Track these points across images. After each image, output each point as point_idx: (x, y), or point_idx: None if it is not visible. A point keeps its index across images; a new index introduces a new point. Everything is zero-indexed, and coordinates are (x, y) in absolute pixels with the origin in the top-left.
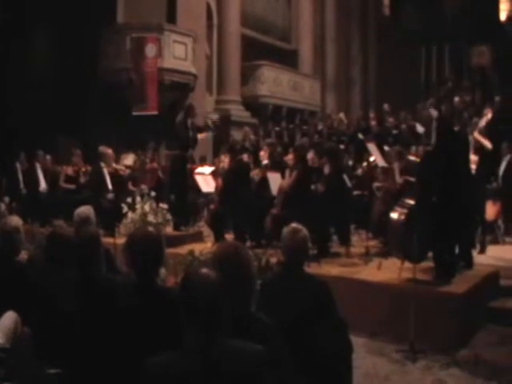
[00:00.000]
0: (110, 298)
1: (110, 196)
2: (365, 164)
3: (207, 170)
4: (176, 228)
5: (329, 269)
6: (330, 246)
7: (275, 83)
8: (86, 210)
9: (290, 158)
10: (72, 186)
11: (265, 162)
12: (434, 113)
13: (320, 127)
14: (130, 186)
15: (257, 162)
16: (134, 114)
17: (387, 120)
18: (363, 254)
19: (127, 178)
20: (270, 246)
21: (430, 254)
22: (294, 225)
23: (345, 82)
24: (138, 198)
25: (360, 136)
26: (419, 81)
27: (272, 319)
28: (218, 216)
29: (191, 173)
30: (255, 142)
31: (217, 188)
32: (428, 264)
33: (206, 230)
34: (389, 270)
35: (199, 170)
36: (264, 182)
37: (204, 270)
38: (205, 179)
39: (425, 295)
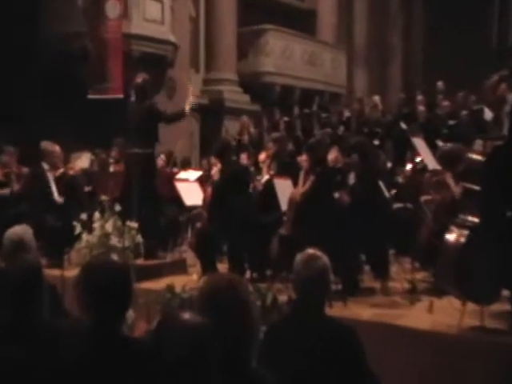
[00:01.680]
0: (54, 350)
1: (56, 213)
2: (409, 166)
3: (192, 175)
4: (149, 255)
5: (358, 311)
6: (359, 280)
7: (284, 56)
8: (20, 230)
9: (304, 158)
10: (5, 192)
11: (265, 167)
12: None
13: (346, 115)
14: (85, 196)
15: (259, 164)
16: (91, 97)
17: (441, 104)
18: (407, 290)
19: (82, 184)
20: (278, 279)
21: (505, 293)
22: (309, 250)
23: (380, 53)
24: (97, 214)
25: (402, 126)
26: (488, 48)
27: (280, 378)
28: (206, 238)
29: (170, 179)
30: (257, 137)
31: (205, 200)
32: (501, 306)
33: (191, 257)
34: (444, 314)
35: (181, 175)
36: (269, 191)
37: (187, 315)
38: (189, 188)
39: (497, 350)
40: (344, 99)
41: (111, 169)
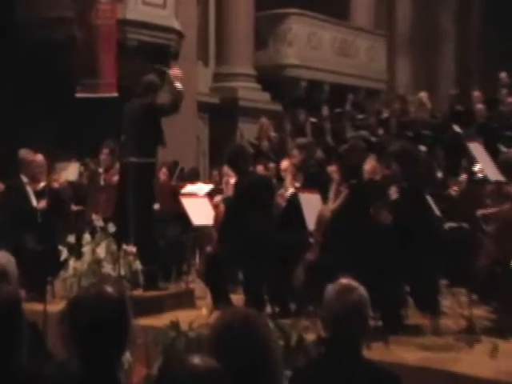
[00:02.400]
0: None
1: (37, 234)
2: (463, 177)
3: (201, 189)
4: (149, 285)
5: (403, 353)
6: (403, 315)
7: (311, 45)
8: (2, 257)
9: (334, 168)
10: None
11: (288, 177)
12: None
13: (385, 115)
14: (73, 214)
15: (282, 174)
16: (79, 96)
17: (504, 100)
18: (463, 329)
19: (68, 200)
20: (304, 315)
21: None
22: (342, 280)
23: (428, 40)
24: (87, 236)
25: (455, 129)
26: None
27: None
28: (218, 264)
29: (174, 194)
30: (278, 143)
31: (217, 219)
32: None
33: (199, 288)
34: (509, 359)
35: (188, 189)
36: (294, 208)
37: (195, 358)
38: (197, 205)
39: None
40: (383, 96)
41: (102, 181)
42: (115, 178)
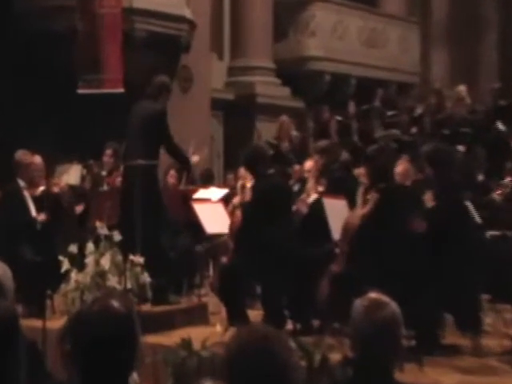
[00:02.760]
0: None
1: (36, 243)
2: (507, 180)
3: (215, 194)
4: (158, 299)
5: (439, 376)
6: (440, 335)
7: (336, 34)
8: None
9: (363, 171)
10: None
11: (310, 181)
12: None
13: (419, 112)
14: (75, 222)
15: (304, 179)
16: (81, 92)
17: None
18: (507, 350)
19: (70, 206)
20: (329, 332)
21: None
22: (372, 294)
23: (468, 28)
24: (90, 245)
25: (499, 127)
26: None
27: None
28: (233, 276)
29: (185, 200)
30: (300, 143)
31: (232, 226)
32: None
33: (213, 302)
34: None
35: (201, 194)
36: (317, 215)
37: (207, 381)
38: (211, 211)
39: None
40: (416, 91)
41: (105, 185)
42: (119, 181)
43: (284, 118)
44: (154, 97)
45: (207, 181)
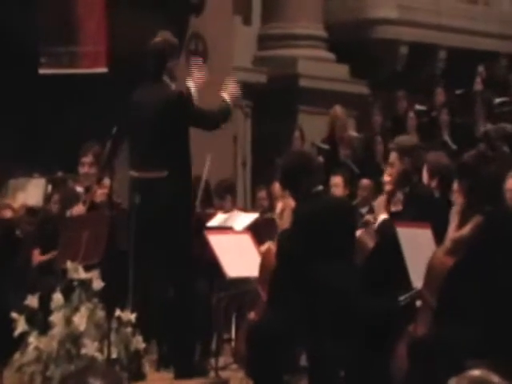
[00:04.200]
0: None
1: None
2: None
3: (239, 220)
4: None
5: None
6: None
7: None
8: None
9: (456, 187)
10: None
11: (380, 200)
12: None
13: None
14: (37, 259)
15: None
16: (44, 72)
17: None
18: None
19: (28, 238)
20: None
21: None
22: (475, 371)
23: None
24: (58, 296)
25: None
26: None
27: None
28: (269, 341)
29: (197, 228)
30: (365, 146)
31: (264, 267)
32: None
33: (237, 378)
34: None
35: (219, 220)
36: (387, 249)
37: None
38: (233, 245)
39: None
40: None
41: (80, 206)
42: (102, 199)
43: (338, 109)
44: (158, 74)
45: (224, 197)
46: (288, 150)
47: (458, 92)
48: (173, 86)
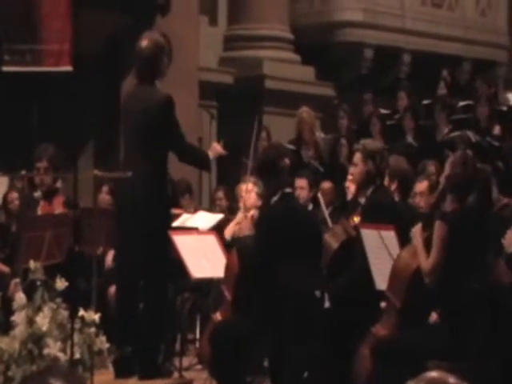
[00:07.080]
0: None
1: None
2: None
3: (204, 220)
4: (121, 375)
5: None
6: None
7: None
8: None
9: (422, 188)
10: None
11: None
12: None
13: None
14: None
15: (338, 198)
16: (6, 70)
17: None
18: None
19: None
20: None
21: None
22: (433, 372)
23: None
24: (20, 296)
25: None
26: None
27: None
28: (231, 342)
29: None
30: (329, 148)
31: (229, 268)
32: None
33: (201, 379)
34: None
35: (184, 220)
36: (351, 253)
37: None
38: (199, 246)
39: None
40: (502, 72)
41: (39, 209)
42: (58, 202)
43: (305, 111)
44: (149, 76)
45: (183, 197)
46: (255, 150)
47: (425, 102)
48: (157, 89)
